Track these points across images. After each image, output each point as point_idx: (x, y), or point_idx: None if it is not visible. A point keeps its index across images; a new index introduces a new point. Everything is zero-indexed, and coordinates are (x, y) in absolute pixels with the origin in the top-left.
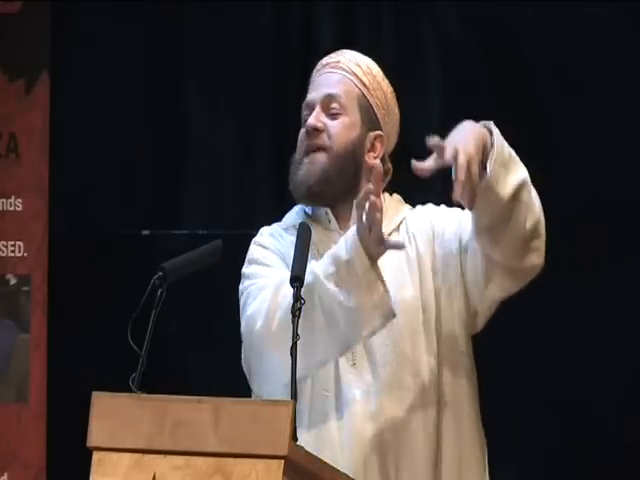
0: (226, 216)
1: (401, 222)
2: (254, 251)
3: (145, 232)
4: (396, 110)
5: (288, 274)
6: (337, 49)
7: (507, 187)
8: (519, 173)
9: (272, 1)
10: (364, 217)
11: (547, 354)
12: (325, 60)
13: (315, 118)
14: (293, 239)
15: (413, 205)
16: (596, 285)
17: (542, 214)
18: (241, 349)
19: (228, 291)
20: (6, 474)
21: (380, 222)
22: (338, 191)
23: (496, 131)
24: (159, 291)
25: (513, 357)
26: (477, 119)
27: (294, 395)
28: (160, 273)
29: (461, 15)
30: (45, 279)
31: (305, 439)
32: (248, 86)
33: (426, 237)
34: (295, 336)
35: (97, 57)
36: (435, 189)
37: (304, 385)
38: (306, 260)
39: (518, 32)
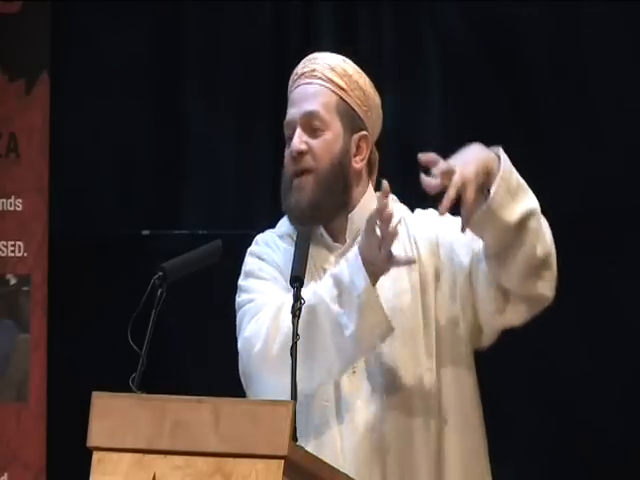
0: (226, 216)
1: (398, 222)
2: (250, 263)
3: (145, 232)
4: (377, 99)
5: (287, 295)
6: (337, 49)
7: (513, 214)
8: (527, 202)
9: (272, 1)
10: (378, 231)
11: (547, 354)
12: (300, 69)
13: (298, 141)
14: (288, 247)
15: (410, 207)
16: (596, 285)
17: (553, 247)
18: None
19: (228, 291)
20: (6, 474)
21: (393, 237)
22: (329, 211)
23: (504, 157)
24: (159, 291)
25: (513, 357)
26: (477, 119)
27: (294, 395)
28: (160, 273)
29: (461, 15)
30: (45, 279)
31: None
32: (248, 86)
33: (429, 244)
34: (295, 336)
35: (97, 57)
36: (436, 196)
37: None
38: (306, 260)
39: (518, 32)
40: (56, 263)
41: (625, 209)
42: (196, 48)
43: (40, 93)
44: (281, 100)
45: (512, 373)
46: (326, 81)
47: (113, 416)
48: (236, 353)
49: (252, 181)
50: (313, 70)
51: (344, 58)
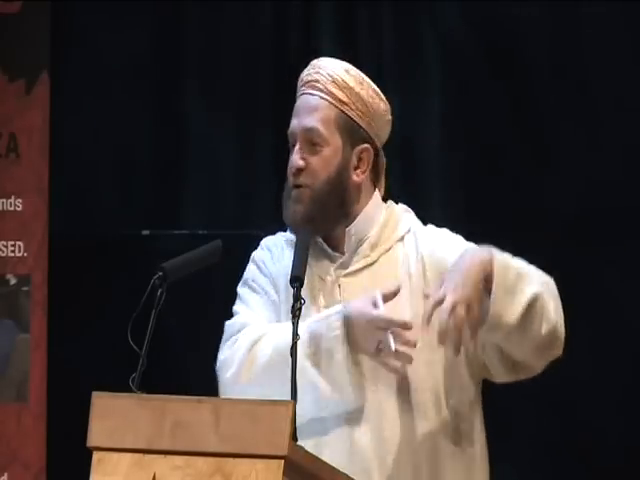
0: (226, 216)
1: (407, 233)
2: (248, 270)
3: (145, 232)
4: (382, 106)
5: (271, 322)
6: (337, 49)
7: (514, 313)
8: (526, 292)
9: (272, 1)
10: (389, 341)
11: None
12: (304, 76)
13: (297, 158)
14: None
15: (411, 207)
16: (596, 285)
17: (560, 317)
18: None
19: (228, 291)
20: (6, 474)
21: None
22: (325, 224)
23: (498, 256)
24: (159, 291)
25: None
26: (477, 119)
27: (294, 395)
28: (160, 273)
29: (461, 15)
30: (45, 279)
31: None
32: (248, 86)
33: (436, 268)
34: (295, 336)
35: (97, 57)
36: (436, 197)
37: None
38: (306, 260)
39: (518, 32)
40: (56, 263)
41: (625, 209)
42: (196, 48)
43: (40, 93)
44: (281, 100)
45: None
46: (327, 94)
47: (113, 416)
48: None
49: (252, 181)
50: (316, 81)
51: (348, 68)
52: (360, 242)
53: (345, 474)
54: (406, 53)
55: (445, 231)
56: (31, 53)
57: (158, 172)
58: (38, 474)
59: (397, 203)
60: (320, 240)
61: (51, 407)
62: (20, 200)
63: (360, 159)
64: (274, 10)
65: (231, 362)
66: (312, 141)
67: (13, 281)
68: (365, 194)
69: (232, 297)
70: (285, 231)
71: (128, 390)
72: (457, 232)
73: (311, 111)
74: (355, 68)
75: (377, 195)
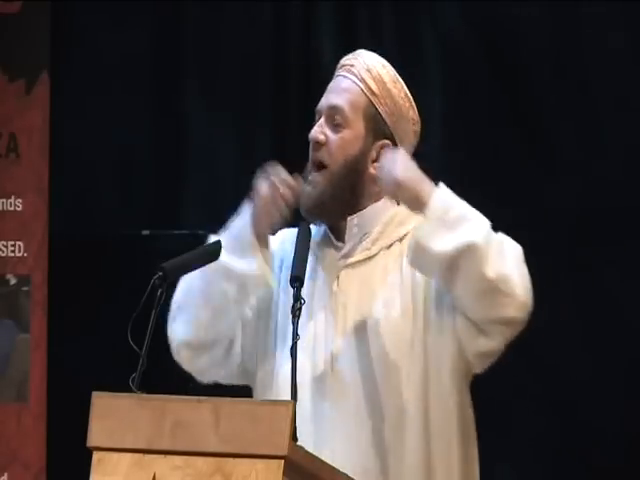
0: (226, 216)
1: (406, 234)
2: None
3: (145, 232)
4: (411, 113)
5: None
6: (337, 49)
7: (446, 246)
8: (466, 235)
9: (272, 1)
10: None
11: (547, 354)
12: (343, 60)
13: (318, 130)
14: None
15: None
16: (596, 285)
17: (515, 272)
18: None
19: None
20: (6, 474)
21: (270, 217)
22: (334, 212)
23: (448, 194)
24: (159, 291)
25: (513, 357)
26: (477, 119)
27: (294, 395)
28: (160, 273)
29: (461, 15)
30: (45, 279)
31: None
32: (248, 86)
33: None
34: (295, 336)
35: (97, 57)
36: None
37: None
38: (306, 260)
39: (518, 32)
40: (56, 263)
41: (625, 209)
42: (196, 48)
43: (40, 93)
44: (281, 100)
45: (512, 374)
46: (360, 80)
47: (113, 416)
48: None
49: (252, 181)
50: (352, 66)
51: (385, 63)
52: (364, 236)
53: (345, 474)
54: (406, 53)
55: None
56: (31, 53)
57: (158, 172)
58: (38, 474)
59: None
60: (326, 228)
61: (51, 407)
62: (20, 200)
63: (379, 153)
64: (274, 10)
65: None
66: (335, 120)
67: (13, 281)
68: (378, 190)
69: None
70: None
71: (128, 390)
72: None
73: (341, 92)
74: (393, 69)
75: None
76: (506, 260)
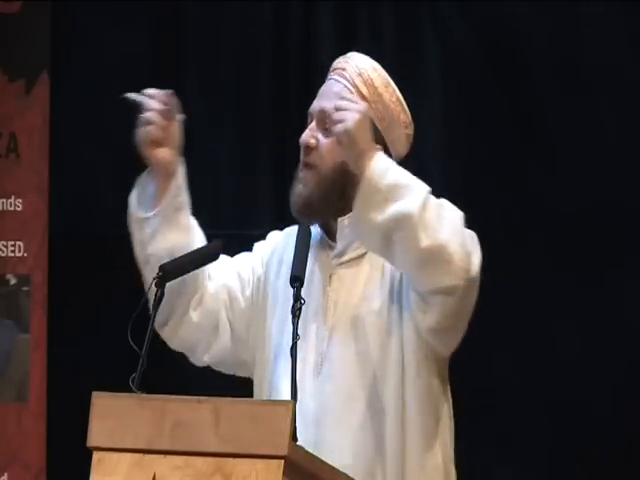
0: (226, 216)
1: None
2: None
3: None
4: (402, 116)
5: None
6: (337, 49)
7: (382, 215)
8: (402, 204)
9: (272, 1)
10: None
11: (547, 354)
12: (335, 63)
13: (309, 134)
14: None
15: None
16: (597, 285)
17: (453, 237)
18: None
19: None
20: (6, 474)
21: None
22: (322, 213)
23: (385, 163)
24: (159, 291)
25: (512, 357)
26: (477, 119)
27: (294, 395)
28: (160, 273)
29: (461, 15)
30: (45, 279)
31: None
32: (248, 86)
33: None
34: (295, 336)
35: (97, 57)
36: (435, 189)
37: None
38: (306, 260)
39: (518, 32)
40: (56, 263)
41: (626, 209)
42: (196, 48)
43: (40, 93)
44: (281, 100)
45: (512, 373)
46: (351, 85)
47: (113, 416)
48: None
49: (252, 181)
50: (344, 69)
51: (376, 67)
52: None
53: (345, 474)
54: (406, 53)
55: None
56: (31, 53)
57: None
58: (38, 474)
59: None
60: (319, 229)
61: (51, 407)
62: (20, 200)
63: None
64: (274, 10)
65: None
66: (326, 124)
67: (13, 281)
68: None
69: None
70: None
71: (128, 390)
72: None
73: (332, 96)
74: (385, 72)
75: None
76: (443, 227)
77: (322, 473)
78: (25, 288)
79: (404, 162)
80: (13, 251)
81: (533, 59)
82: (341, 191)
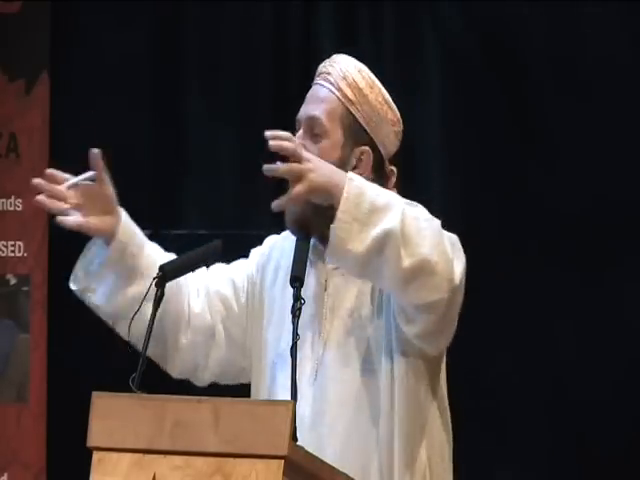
0: (226, 216)
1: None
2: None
3: (145, 232)
4: (390, 115)
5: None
6: (337, 49)
7: (363, 244)
8: (381, 225)
9: (272, 1)
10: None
11: (547, 354)
12: (321, 67)
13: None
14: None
15: None
16: (597, 285)
17: (435, 250)
18: None
19: None
20: (6, 474)
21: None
22: (317, 224)
23: (357, 183)
24: (158, 291)
25: (512, 357)
26: (477, 119)
27: (294, 395)
28: (160, 273)
29: (461, 15)
30: (45, 279)
31: None
32: (248, 86)
33: None
34: (295, 336)
35: (97, 57)
36: (436, 196)
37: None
38: (306, 260)
39: (518, 32)
40: (56, 263)
41: (626, 209)
42: (196, 48)
43: (40, 93)
44: (281, 100)
45: (512, 374)
46: (336, 89)
47: (113, 416)
48: None
49: (252, 181)
50: (329, 74)
51: (361, 68)
52: None
53: (345, 474)
54: (406, 53)
55: None
56: (31, 53)
57: (158, 172)
58: (38, 474)
59: None
60: (315, 240)
61: (51, 407)
62: (20, 200)
63: (359, 160)
64: (274, 10)
65: None
66: (313, 130)
67: (13, 281)
68: None
69: None
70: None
71: (128, 390)
72: (456, 232)
73: (318, 101)
74: (369, 72)
75: None
76: (423, 241)
77: (322, 473)
78: (25, 288)
79: (398, 161)
80: (13, 251)
81: (533, 59)
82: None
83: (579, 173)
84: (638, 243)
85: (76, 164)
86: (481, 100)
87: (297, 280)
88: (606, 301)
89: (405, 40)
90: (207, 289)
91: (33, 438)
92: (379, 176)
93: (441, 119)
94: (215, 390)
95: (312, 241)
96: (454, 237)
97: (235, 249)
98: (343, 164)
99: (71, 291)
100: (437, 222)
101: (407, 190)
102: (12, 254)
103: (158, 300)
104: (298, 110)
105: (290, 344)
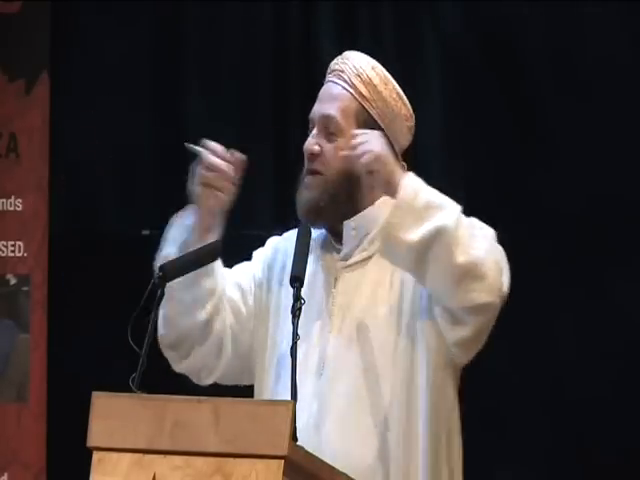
0: (226, 216)
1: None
2: (257, 251)
3: (145, 232)
4: (403, 110)
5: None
6: (337, 49)
7: (416, 234)
8: (435, 220)
9: (272, 1)
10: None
11: (547, 353)
12: (333, 64)
13: (312, 142)
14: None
15: None
16: (597, 285)
17: (489, 255)
18: None
19: None
20: (6, 474)
21: (215, 200)
22: (331, 216)
23: (414, 184)
24: (159, 291)
25: (512, 356)
26: (477, 119)
27: (294, 395)
28: (160, 273)
29: (461, 15)
30: (45, 279)
31: None
32: (248, 86)
33: None
34: (295, 336)
35: (97, 57)
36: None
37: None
38: (306, 260)
39: (518, 32)
40: (56, 263)
41: (626, 209)
42: (196, 48)
43: (40, 93)
44: (281, 100)
45: (512, 373)
46: (350, 86)
47: (113, 416)
48: None
49: (252, 181)
50: (342, 71)
51: (374, 65)
52: (363, 238)
53: (345, 474)
54: (406, 53)
55: None
56: (31, 53)
57: (158, 172)
58: (38, 474)
59: None
60: (326, 232)
61: (51, 407)
62: (20, 200)
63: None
64: (274, 10)
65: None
66: (329, 129)
67: (13, 281)
68: (376, 193)
69: None
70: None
71: (128, 390)
72: None
73: (332, 99)
74: (383, 68)
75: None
76: (477, 244)
77: (322, 473)
78: (25, 288)
79: (407, 155)
80: (13, 251)
81: (533, 59)
82: (347, 195)
83: (579, 173)
84: (638, 243)
85: (76, 164)
86: (481, 100)
87: (297, 280)
88: (606, 301)
89: (405, 40)
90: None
91: (33, 438)
92: None
93: (441, 119)
94: (215, 390)
95: (319, 235)
96: (502, 250)
97: (235, 249)
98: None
99: (71, 291)
100: (491, 231)
101: None
102: (12, 254)
103: (158, 300)
104: (298, 110)
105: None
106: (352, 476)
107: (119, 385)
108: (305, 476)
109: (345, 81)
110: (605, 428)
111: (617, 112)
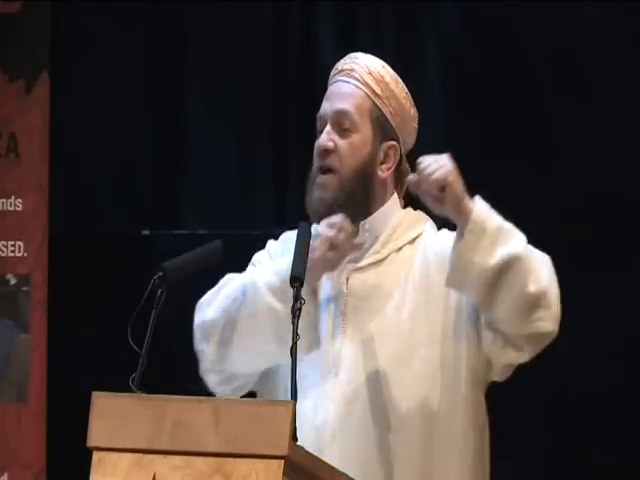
0: (226, 216)
1: (417, 237)
2: (256, 255)
3: (145, 232)
4: (412, 111)
5: (259, 274)
6: (337, 49)
7: (491, 259)
8: (510, 246)
9: (272, 1)
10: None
11: (548, 353)
12: (340, 65)
13: (326, 138)
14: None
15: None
16: (598, 285)
17: (553, 285)
18: None
19: None
20: (6, 474)
21: (339, 247)
22: (347, 216)
23: (480, 202)
24: (159, 291)
25: None
26: (477, 119)
27: (294, 395)
28: (160, 273)
29: (461, 15)
30: (45, 279)
31: None
32: (248, 86)
33: (442, 266)
34: (295, 336)
35: (97, 57)
36: None
37: (281, 389)
38: (306, 260)
39: (518, 32)
40: (56, 263)
41: (626, 209)
42: (196, 48)
43: (40, 93)
44: (281, 100)
45: (511, 375)
46: (362, 84)
47: (113, 416)
48: None
49: (252, 181)
50: (352, 70)
51: (384, 64)
52: (374, 239)
53: (345, 474)
54: (406, 53)
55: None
56: (31, 53)
57: (158, 172)
58: (38, 474)
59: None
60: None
61: (51, 407)
62: (20, 200)
63: (387, 155)
64: (274, 10)
65: (206, 304)
66: (343, 125)
67: (13, 281)
68: (387, 193)
69: None
70: (290, 229)
71: (128, 390)
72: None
73: (345, 96)
74: (391, 68)
75: (396, 197)
76: (544, 273)
77: (322, 473)
78: (25, 288)
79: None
80: (13, 251)
81: (533, 59)
82: (363, 192)
83: (579, 173)
84: (638, 243)
85: (76, 164)
86: (481, 100)
87: (297, 280)
88: (606, 301)
89: (405, 40)
90: None
91: (33, 438)
92: (399, 173)
93: (441, 119)
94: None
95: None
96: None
97: (235, 249)
98: (372, 159)
99: (71, 291)
100: (548, 257)
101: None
102: (12, 254)
103: (158, 300)
104: (298, 110)
105: (298, 345)
106: (358, 476)
107: (119, 385)
108: (305, 476)
109: (357, 79)
110: (605, 428)
111: (617, 112)
